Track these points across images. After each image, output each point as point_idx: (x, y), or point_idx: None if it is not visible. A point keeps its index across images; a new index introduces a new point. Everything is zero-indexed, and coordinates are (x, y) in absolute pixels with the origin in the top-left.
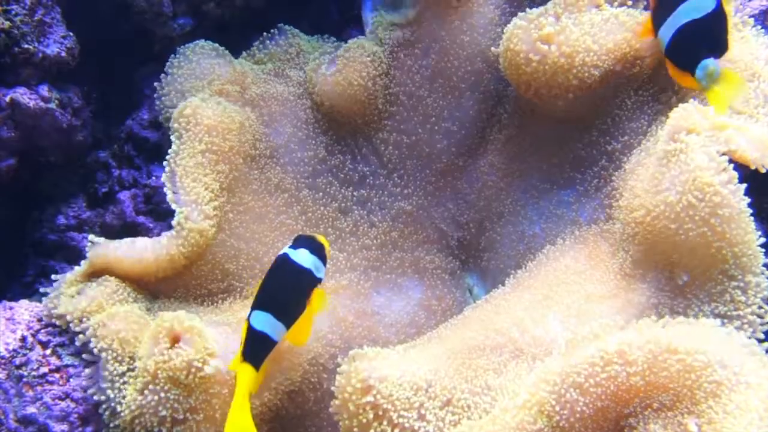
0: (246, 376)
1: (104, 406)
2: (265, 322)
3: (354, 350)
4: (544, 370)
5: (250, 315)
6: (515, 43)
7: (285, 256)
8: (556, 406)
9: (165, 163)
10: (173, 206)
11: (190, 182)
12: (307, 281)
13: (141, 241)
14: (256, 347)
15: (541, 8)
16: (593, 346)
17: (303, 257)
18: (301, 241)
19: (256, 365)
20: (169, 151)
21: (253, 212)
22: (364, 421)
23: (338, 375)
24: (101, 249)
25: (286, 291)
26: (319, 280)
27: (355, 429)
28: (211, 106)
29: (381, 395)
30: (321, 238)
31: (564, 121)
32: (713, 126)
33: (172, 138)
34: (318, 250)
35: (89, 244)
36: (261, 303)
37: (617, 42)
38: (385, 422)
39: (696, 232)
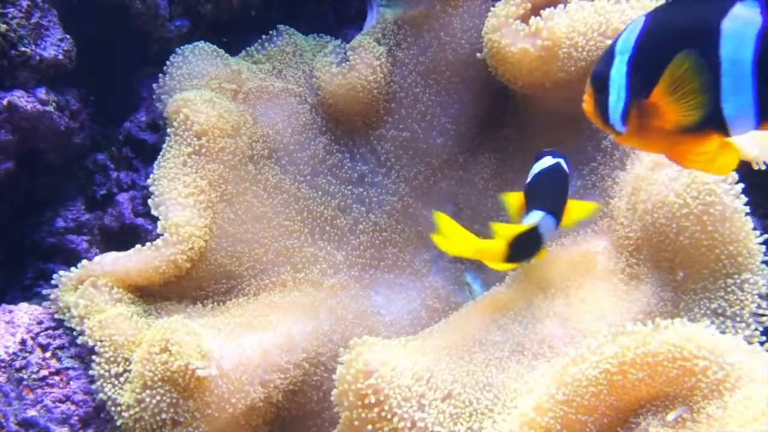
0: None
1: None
2: (548, 226)
3: (354, 339)
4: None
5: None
6: (499, 42)
7: (558, 165)
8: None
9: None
10: (153, 211)
11: (167, 182)
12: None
13: (134, 253)
14: (529, 245)
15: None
16: (587, 364)
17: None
18: (555, 154)
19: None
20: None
21: (253, 213)
22: (364, 414)
23: (339, 365)
24: (91, 266)
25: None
26: None
27: (356, 421)
28: (205, 109)
29: (383, 379)
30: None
31: (561, 117)
32: None
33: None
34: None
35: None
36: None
37: (602, 43)
38: (386, 407)
39: (690, 230)
